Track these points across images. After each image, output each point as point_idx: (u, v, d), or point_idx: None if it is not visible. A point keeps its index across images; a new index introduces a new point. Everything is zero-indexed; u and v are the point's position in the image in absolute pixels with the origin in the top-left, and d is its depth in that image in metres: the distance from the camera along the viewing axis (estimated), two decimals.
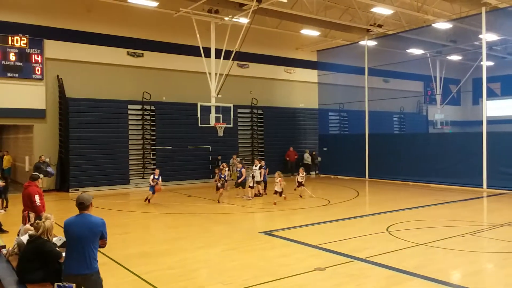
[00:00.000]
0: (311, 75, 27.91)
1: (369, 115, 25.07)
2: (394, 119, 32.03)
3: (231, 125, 20.48)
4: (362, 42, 25.00)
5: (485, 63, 20.16)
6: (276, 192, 15.37)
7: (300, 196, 16.50)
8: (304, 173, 16.71)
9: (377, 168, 23.56)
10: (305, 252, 9.14)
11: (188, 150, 22.24)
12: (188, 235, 10.82)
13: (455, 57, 32.22)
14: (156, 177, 15.37)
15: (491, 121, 20.94)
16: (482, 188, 18.57)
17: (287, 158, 25.45)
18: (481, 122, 19.49)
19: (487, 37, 21.10)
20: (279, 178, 15.47)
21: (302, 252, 9.15)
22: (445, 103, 34.03)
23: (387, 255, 8.70)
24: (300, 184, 16.56)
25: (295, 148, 26.06)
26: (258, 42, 24.25)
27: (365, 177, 23.99)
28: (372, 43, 25.17)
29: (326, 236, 10.44)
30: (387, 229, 10.98)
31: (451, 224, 11.74)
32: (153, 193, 15.37)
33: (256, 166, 17.23)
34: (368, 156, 24.28)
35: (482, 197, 17.39)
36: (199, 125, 19.37)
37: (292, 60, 27.75)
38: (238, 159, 20.57)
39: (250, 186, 16.53)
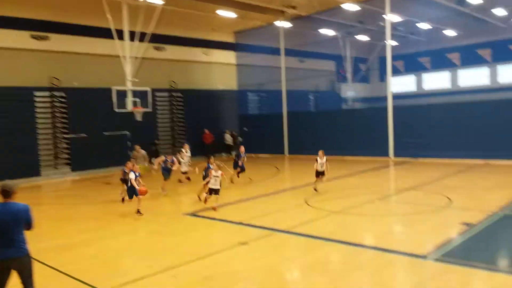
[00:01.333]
0: (229, 56, 28.00)
1: (286, 94, 25.88)
2: (310, 97, 33.31)
3: (150, 110, 20.00)
4: (278, 23, 25.52)
5: (390, 43, 21.64)
6: (211, 192, 11.19)
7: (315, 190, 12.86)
8: (324, 158, 12.84)
9: (295, 145, 24.55)
10: (229, 229, 9.37)
11: (104, 137, 21.35)
12: (109, 223, 10.54)
13: (363, 37, 34.10)
14: (169, 159, 14.40)
15: (396, 96, 22.63)
16: (389, 157, 20.22)
17: (204, 141, 25.36)
18: (387, 98, 21.05)
19: (391, 18, 22.59)
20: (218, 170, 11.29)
21: (226, 229, 9.37)
22: (356, 81, 36.07)
23: (305, 224, 9.21)
24: (321, 173, 12.76)
25: (217, 129, 26.16)
26: (174, 24, 23.72)
27: (284, 154, 24.91)
28: (287, 24, 25.78)
29: (249, 212, 10.76)
30: (305, 201, 11.58)
31: (363, 192, 12.65)
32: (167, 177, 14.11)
33: (187, 152, 16.21)
34: (287, 134, 25.20)
35: (389, 165, 18.90)
36: (116, 110, 18.66)
37: (210, 42, 27.56)
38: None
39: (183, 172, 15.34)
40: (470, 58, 34.76)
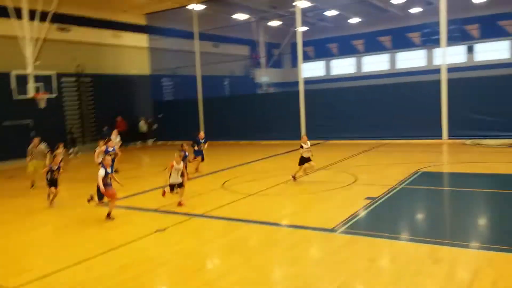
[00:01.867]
0: (141, 39, 27.02)
1: (202, 79, 25.70)
2: (225, 82, 33.44)
3: (54, 96, 18.70)
4: (191, 6, 25.10)
5: (300, 29, 22.40)
6: (172, 188, 9.66)
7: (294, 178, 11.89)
8: (308, 143, 11.75)
9: (212, 130, 24.53)
10: (145, 217, 9.23)
11: (2, 127, 19.58)
12: (16, 218, 9.82)
13: (276, 23, 34.84)
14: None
15: (308, 81, 23.58)
16: (297, 140, 21.20)
17: (117, 129, 24.31)
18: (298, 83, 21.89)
19: (301, 4, 23.35)
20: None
21: (142, 218, 9.22)
22: (269, 66, 36.86)
23: (223, 207, 9.39)
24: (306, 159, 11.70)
25: (130, 117, 25.27)
26: (80, 3, 22.24)
27: None
28: (200, 7, 25.45)
29: (165, 199, 10.64)
30: (222, 185, 11.75)
31: (277, 174, 13.13)
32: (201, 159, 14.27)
33: (116, 138, 15.18)
34: (202, 120, 25.12)
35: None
36: (15, 97, 17.19)
37: (120, 24, 26.30)
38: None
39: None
40: (373, 45, 37.13)
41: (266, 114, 22.73)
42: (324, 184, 11.36)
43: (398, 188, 10.23)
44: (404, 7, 32.71)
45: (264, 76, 36.39)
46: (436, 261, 5.89)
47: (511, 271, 5.43)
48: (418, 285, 5.29)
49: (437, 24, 18.82)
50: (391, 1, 30.92)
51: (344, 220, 7.90)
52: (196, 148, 14.43)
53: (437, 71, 18.82)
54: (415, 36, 35.01)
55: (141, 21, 26.97)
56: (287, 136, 21.52)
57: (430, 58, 34.72)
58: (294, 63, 30.11)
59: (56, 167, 10.52)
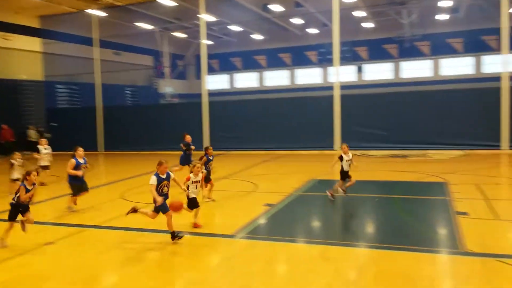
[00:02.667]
0: (34, 43, 25.13)
1: (102, 87, 24.62)
2: (127, 91, 32.40)
3: None
4: (90, 11, 24.02)
5: (205, 41, 22.64)
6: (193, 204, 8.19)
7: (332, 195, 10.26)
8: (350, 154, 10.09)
9: (111, 141, 23.60)
10: (32, 230, 8.54)
11: None
12: None
13: (180, 34, 34.76)
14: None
15: (212, 94, 23.85)
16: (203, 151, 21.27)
17: (1, 140, 22.21)
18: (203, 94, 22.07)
19: (206, 17, 23.65)
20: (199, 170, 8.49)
21: (30, 230, 8.51)
22: (173, 77, 36.55)
23: (120, 218, 9.05)
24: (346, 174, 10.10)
25: (18, 125, 23.23)
26: None
27: (100, 150, 23.72)
28: (101, 13, 24.49)
29: (59, 211, 9.99)
30: (120, 195, 11.34)
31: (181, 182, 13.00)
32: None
33: (46, 148, 13.53)
34: (103, 129, 24.01)
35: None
36: None
37: (10, 25, 24.22)
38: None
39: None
40: (274, 60, 38.76)
41: (169, 124, 22.45)
42: (225, 193, 11.53)
43: (295, 195, 10.79)
44: (303, 27, 34.76)
45: (168, 87, 35.97)
46: (326, 260, 6.33)
47: (390, 267, 6.03)
48: (309, 282, 5.63)
49: (331, 45, 20.32)
50: (291, 21, 32.69)
51: (244, 225, 8.11)
52: (188, 152, 12.85)
53: (331, 88, 20.27)
54: (312, 55, 37.31)
55: (35, 23, 25.13)
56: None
57: (325, 75, 37.19)
58: (199, 75, 30.27)
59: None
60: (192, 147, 12.96)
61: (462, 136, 17.83)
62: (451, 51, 34.31)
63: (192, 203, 8.12)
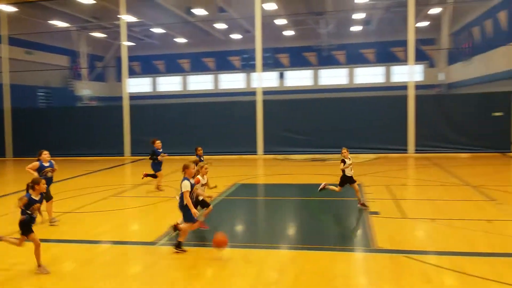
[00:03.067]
0: None
1: (10, 88, 22.82)
2: (40, 93, 30.35)
3: None
4: None
5: (125, 43, 21.94)
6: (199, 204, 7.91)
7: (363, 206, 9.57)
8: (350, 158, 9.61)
9: (23, 145, 21.94)
10: None
11: None
12: None
13: (99, 34, 33.32)
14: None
15: (133, 97, 23.16)
16: (124, 156, 20.60)
17: None
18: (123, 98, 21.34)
19: (127, 18, 22.94)
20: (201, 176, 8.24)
21: None
22: (92, 79, 34.90)
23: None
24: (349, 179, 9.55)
25: None
26: None
27: (8, 156, 21.96)
28: (10, 8, 22.72)
29: None
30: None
31: (98, 190, 12.49)
32: None
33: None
34: (11, 133, 22.24)
35: (125, 163, 19.23)
36: None
37: None
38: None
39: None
40: (198, 65, 38.63)
41: (86, 128, 21.42)
42: (146, 199, 11.28)
43: (219, 200, 10.84)
44: (226, 32, 35.04)
45: (86, 89, 34.27)
46: (248, 263, 6.45)
47: (310, 267, 6.29)
48: (233, 285, 5.72)
49: (253, 51, 20.72)
50: (214, 26, 32.80)
51: (166, 232, 7.99)
52: (156, 160, 12.24)
53: (254, 93, 20.66)
54: (235, 60, 37.73)
55: None
56: (110, 152, 20.72)
57: (248, 81, 37.79)
58: (119, 78, 29.22)
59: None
60: (163, 154, 12.40)
61: (374, 140, 19.08)
62: (364, 61, 36.62)
63: (204, 204, 8.00)
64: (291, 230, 8.63)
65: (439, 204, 9.75)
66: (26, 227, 6.25)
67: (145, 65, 38.62)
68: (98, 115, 22.51)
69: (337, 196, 11.20)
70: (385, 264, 6.27)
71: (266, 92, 21.09)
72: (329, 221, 8.97)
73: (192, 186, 6.87)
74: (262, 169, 17.50)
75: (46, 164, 8.92)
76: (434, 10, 30.02)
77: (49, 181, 8.85)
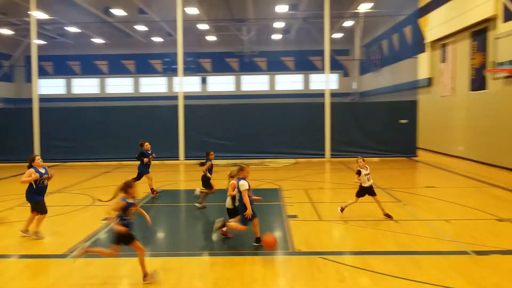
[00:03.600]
0: None
1: None
2: None
3: None
4: None
5: (36, 41, 20.49)
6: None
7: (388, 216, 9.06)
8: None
9: None
10: None
11: None
12: None
13: (6, 31, 30.81)
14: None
15: (45, 99, 21.66)
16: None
17: None
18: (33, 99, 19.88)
19: (38, 14, 21.45)
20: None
21: None
22: None
23: None
24: (368, 190, 9.08)
25: None
26: None
27: None
28: None
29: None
30: None
31: (3, 200, 11.49)
32: None
33: None
34: None
35: None
36: None
37: None
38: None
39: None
40: (117, 67, 37.23)
41: None
42: (59, 209, 10.57)
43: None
44: (147, 34, 34.21)
45: None
46: (168, 271, 6.31)
47: (229, 272, 6.31)
48: None
49: (175, 54, 20.42)
50: (135, 27, 31.86)
51: (79, 243, 7.56)
52: (145, 162, 11.93)
53: (175, 97, 20.33)
54: (157, 63, 36.94)
55: None
56: (18, 158, 19.10)
57: (170, 85, 37.18)
58: (29, 78, 27.21)
59: None
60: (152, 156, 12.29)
61: (294, 145, 19.68)
62: (284, 68, 37.79)
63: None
64: (209, 238, 8.58)
65: (352, 206, 10.30)
66: (126, 235, 5.88)
67: (59, 66, 36.37)
68: (4, 118, 20.71)
69: (258, 200, 11.39)
70: (302, 266, 6.48)
71: (188, 96, 20.88)
72: (250, 225, 9.06)
73: (249, 185, 7.11)
74: (183, 174, 17.26)
75: (42, 171, 8.09)
76: (348, 23, 31.87)
77: (44, 189, 8.13)
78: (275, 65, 37.35)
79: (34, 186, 7.93)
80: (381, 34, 31.10)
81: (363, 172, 8.93)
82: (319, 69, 36.20)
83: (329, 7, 20.05)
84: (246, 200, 7.05)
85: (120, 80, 37.79)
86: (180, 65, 20.21)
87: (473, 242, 7.43)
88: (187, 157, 19.53)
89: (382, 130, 19.58)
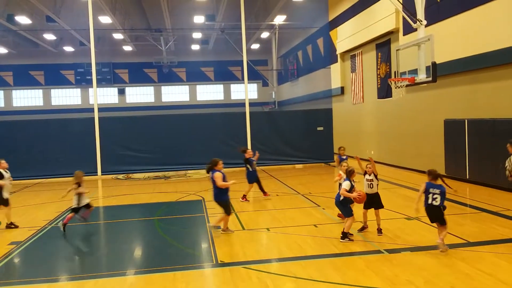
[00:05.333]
0: None
1: None
2: None
3: None
4: None
5: None
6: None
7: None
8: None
9: None
10: None
11: None
12: None
13: None
14: None
15: None
16: None
17: None
18: None
19: None
20: None
21: None
22: None
23: None
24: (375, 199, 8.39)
25: None
26: None
27: None
28: None
29: None
30: None
31: None
32: None
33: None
34: None
35: None
36: None
37: None
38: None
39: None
40: (24, 78, 34.74)
41: None
42: None
43: (48, 228, 9.79)
44: (58, 44, 32.36)
45: None
46: None
47: None
48: None
49: (89, 65, 19.50)
50: (43, 36, 29.99)
51: None
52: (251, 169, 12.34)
53: (91, 109, 19.36)
54: (69, 74, 35.02)
55: None
56: None
57: (85, 97, 35.42)
58: None
59: None
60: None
61: (217, 155, 19.34)
62: (204, 79, 37.78)
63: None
64: (132, 254, 8.26)
65: (274, 213, 10.52)
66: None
67: None
68: None
69: (181, 213, 11.23)
70: (226, 277, 6.46)
71: (105, 108, 20.07)
72: (173, 240, 8.87)
73: (352, 187, 7.79)
74: (101, 190, 16.46)
75: (7, 174, 8.94)
76: (264, 34, 32.75)
77: None
78: (195, 76, 37.21)
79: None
80: (296, 45, 32.36)
81: (366, 177, 8.36)
82: (239, 79, 36.71)
83: (244, 18, 20.44)
84: (346, 195, 7.77)
85: (28, 92, 35.23)
86: (94, 76, 19.33)
87: (385, 241, 7.94)
88: (105, 171, 18.67)
89: (300, 137, 20.27)
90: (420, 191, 7.36)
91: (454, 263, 6.69)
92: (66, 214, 9.69)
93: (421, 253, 7.20)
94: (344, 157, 10.96)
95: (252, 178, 12.39)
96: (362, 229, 8.51)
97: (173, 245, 8.48)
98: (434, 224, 7.45)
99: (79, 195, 9.42)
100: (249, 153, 12.45)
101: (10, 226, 9.76)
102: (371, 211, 8.38)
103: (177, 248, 8.25)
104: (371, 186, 8.26)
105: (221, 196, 8.80)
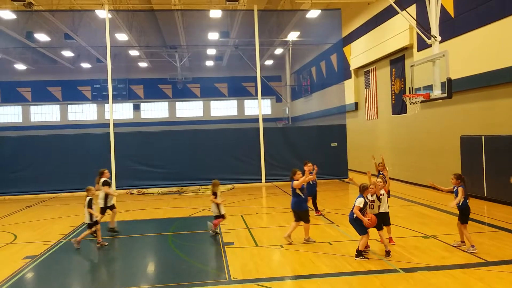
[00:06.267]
0: None
1: None
2: None
3: None
4: None
5: None
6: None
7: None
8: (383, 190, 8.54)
9: None
10: None
11: None
12: None
13: None
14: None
15: None
16: None
17: None
18: None
19: None
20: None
21: None
22: None
23: None
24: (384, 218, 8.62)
25: None
26: None
27: None
28: None
29: None
30: None
31: None
32: None
33: None
34: None
35: None
36: None
37: None
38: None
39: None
40: (42, 94, 35.43)
41: None
42: None
43: (63, 243, 9.85)
44: (75, 61, 33.04)
45: None
46: None
47: None
48: None
49: (106, 81, 19.82)
50: (61, 53, 30.66)
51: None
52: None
53: (107, 125, 19.61)
54: (86, 90, 35.63)
55: None
56: None
57: (101, 112, 35.92)
58: None
59: None
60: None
61: (230, 171, 19.64)
62: (218, 94, 38.07)
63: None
64: (147, 269, 8.26)
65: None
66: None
67: None
68: None
69: (194, 229, 11.20)
70: None
71: (121, 124, 20.32)
72: (186, 255, 8.84)
73: (365, 204, 7.87)
74: (116, 205, 16.50)
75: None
76: (278, 51, 32.99)
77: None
78: (209, 91, 37.52)
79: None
80: (310, 61, 32.47)
81: (370, 198, 8.19)
82: (253, 95, 36.90)
83: (258, 35, 20.63)
84: (357, 214, 7.79)
85: (45, 108, 35.90)
86: (110, 92, 19.62)
87: (401, 259, 7.79)
88: (120, 186, 18.80)
89: (314, 153, 20.12)
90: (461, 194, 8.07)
91: (472, 283, 6.53)
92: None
93: (439, 272, 7.04)
94: (381, 173, 10.08)
95: (310, 192, 11.63)
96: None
97: (186, 261, 8.44)
98: (451, 242, 7.30)
99: None
100: (309, 166, 11.85)
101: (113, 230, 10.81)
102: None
103: (190, 264, 8.20)
104: (372, 207, 8.18)
105: (301, 205, 9.21)
